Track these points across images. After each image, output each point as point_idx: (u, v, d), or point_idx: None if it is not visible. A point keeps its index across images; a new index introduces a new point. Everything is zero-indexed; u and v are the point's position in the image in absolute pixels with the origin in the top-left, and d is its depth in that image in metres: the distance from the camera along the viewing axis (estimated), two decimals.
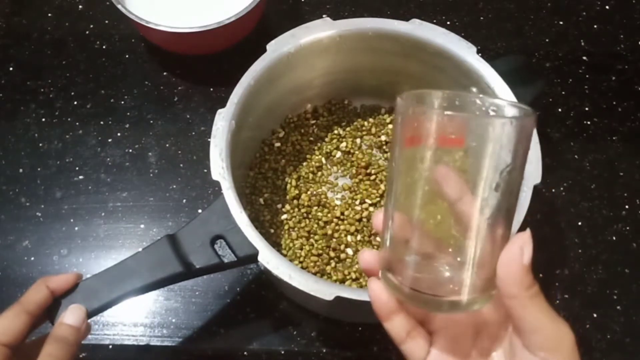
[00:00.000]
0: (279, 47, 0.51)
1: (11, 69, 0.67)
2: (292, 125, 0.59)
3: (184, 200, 0.59)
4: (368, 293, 0.31)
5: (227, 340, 0.53)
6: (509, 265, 0.27)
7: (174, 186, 0.60)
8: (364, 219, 0.54)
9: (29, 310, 0.40)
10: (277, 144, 0.58)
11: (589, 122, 0.63)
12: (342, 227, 0.54)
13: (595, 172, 0.61)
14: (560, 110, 0.64)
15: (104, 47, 0.68)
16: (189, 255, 0.45)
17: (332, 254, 0.53)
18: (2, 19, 0.70)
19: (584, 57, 0.67)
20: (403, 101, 0.29)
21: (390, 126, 0.59)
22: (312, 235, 0.54)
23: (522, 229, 0.42)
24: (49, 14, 0.70)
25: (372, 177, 0.57)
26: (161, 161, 0.61)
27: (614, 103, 0.65)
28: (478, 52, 0.50)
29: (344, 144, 0.59)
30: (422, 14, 0.69)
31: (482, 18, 0.70)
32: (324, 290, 0.41)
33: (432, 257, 0.29)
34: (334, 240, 0.54)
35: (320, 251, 0.53)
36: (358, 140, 0.59)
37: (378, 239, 0.53)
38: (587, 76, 0.66)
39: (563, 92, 0.65)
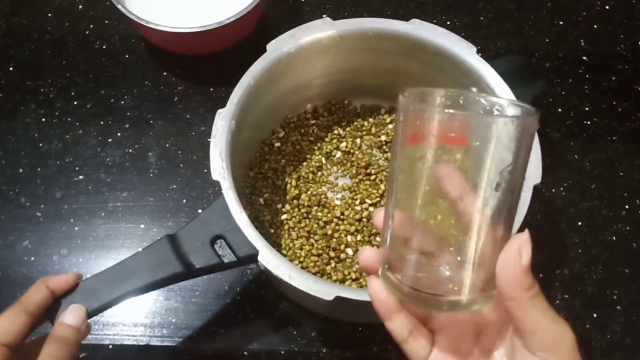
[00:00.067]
0: (279, 47, 0.51)
1: (11, 69, 0.67)
2: (292, 125, 0.59)
3: (184, 200, 0.59)
4: (368, 291, 0.31)
5: (227, 340, 0.53)
6: (508, 267, 0.27)
7: (174, 186, 0.60)
8: (364, 219, 0.54)
9: (29, 310, 0.40)
10: (277, 144, 0.58)
11: (589, 122, 0.63)
12: (342, 227, 0.54)
13: (595, 172, 0.61)
14: (560, 110, 0.64)
15: (104, 47, 0.68)
16: (189, 255, 0.45)
17: (332, 254, 0.53)
18: (2, 19, 0.70)
19: (584, 57, 0.67)
20: (405, 99, 0.29)
21: (390, 126, 0.59)
22: (312, 235, 0.54)
23: (522, 228, 0.42)
24: (49, 14, 0.70)
25: (372, 177, 0.57)
26: (161, 161, 0.61)
27: (614, 103, 0.65)
28: (478, 52, 0.50)
29: (344, 144, 0.59)
30: (422, 14, 0.69)
31: (482, 18, 0.70)
32: (324, 290, 0.41)
33: (432, 256, 0.29)
34: (334, 240, 0.54)
35: (320, 251, 0.53)
36: (358, 140, 0.59)
37: (378, 239, 0.53)
38: (587, 76, 0.66)
39: (563, 92, 0.65)
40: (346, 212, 0.55)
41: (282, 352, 0.52)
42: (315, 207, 0.55)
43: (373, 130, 0.59)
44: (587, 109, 0.64)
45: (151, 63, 0.67)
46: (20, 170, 0.61)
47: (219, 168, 0.45)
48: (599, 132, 0.63)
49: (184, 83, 0.66)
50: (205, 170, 0.60)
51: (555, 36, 0.69)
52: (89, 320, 0.42)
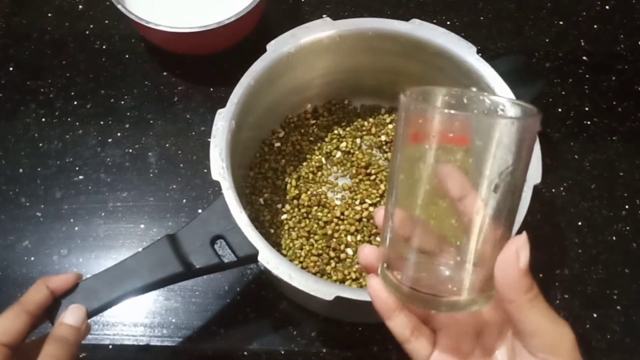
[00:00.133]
0: (279, 47, 0.51)
1: (11, 69, 0.67)
2: (292, 125, 0.59)
3: (184, 200, 0.59)
4: (368, 290, 0.31)
5: (227, 340, 0.53)
6: (505, 270, 0.27)
7: (174, 186, 0.60)
8: (364, 219, 0.54)
9: (29, 310, 0.40)
10: (277, 144, 0.58)
11: (589, 122, 0.63)
12: (342, 227, 0.54)
13: (595, 172, 0.61)
14: (560, 110, 0.64)
15: (104, 47, 0.68)
16: (189, 255, 0.45)
17: (332, 254, 0.53)
18: (2, 19, 0.70)
19: (584, 57, 0.67)
20: (407, 98, 0.29)
21: (390, 126, 0.59)
22: (312, 235, 0.54)
23: (522, 228, 0.42)
24: (49, 14, 0.70)
25: (372, 177, 0.57)
26: (161, 161, 0.61)
27: (614, 103, 0.65)
28: (478, 52, 0.50)
29: (344, 144, 0.59)
30: (422, 14, 0.69)
31: (482, 18, 0.70)
32: (324, 290, 0.41)
33: (431, 256, 0.29)
34: (334, 240, 0.54)
35: (320, 251, 0.53)
36: (358, 140, 0.59)
37: (378, 239, 0.53)
38: (587, 76, 0.66)
39: (563, 92, 0.65)
40: (346, 212, 0.55)
41: (282, 352, 0.52)
42: (315, 207, 0.55)
43: (373, 130, 0.59)
44: (587, 109, 0.64)
45: (151, 63, 0.67)
46: (20, 170, 0.61)
47: (219, 168, 0.45)
48: (599, 132, 0.63)
49: (184, 83, 0.66)
50: (205, 170, 0.60)
51: (555, 36, 0.69)
52: (89, 320, 0.42)
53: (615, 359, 0.53)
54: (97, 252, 0.57)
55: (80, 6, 0.71)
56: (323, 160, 0.58)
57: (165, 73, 0.66)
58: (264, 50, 0.51)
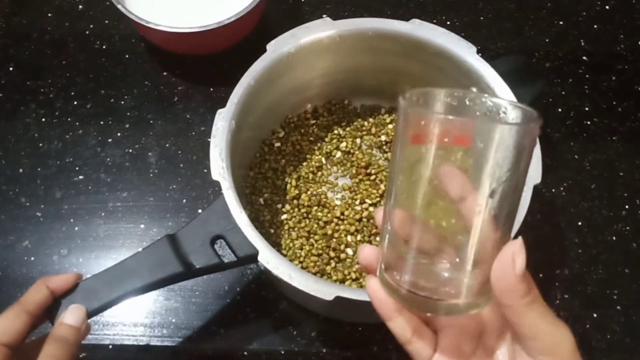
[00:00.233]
0: (279, 47, 0.51)
1: (11, 69, 0.67)
2: (292, 125, 0.59)
3: (184, 200, 0.59)
4: (367, 291, 0.31)
5: (227, 340, 0.53)
6: (502, 275, 0.27)
7: (174, 186, 0.60)
8: (364, 219, 0.54)
9: (29, 310, 0.40)
10: (277, 144, 0.58)
11: (589, 122, 0.63)
12: (342, 227, 0.54)
13: (595, 172, 0.61)
14: (560, 110, 0.64)
15: (104, 47, 0.68)
16: (189, 255, 0.45)
17: (332, 254, 0.53)
18: (2, 19, 0.70)
19: (584, 57, 0.67)
20: (408, 99, 0.29)
21: (390, 126, 0.59)
22: (312, 235, 0.54)
23: (522, 228, 0.42)
24: (49, 14, 0.70)
25: (372, 177, 0.57)
26: (161, 161, 0.61)
27: (614, 103, 0.65)
28: (478, 52, 0.50)
29: (344, 144, 0.59)
30: (422, 14, 0.69)
31: (482, 18, 0.70)
32: (324, 290, 0.41)
33: (430, 258, 0.29)
34: (334, 240, 0.54)
35: (320, 251, 0.53)
36: (358, 140, 0.59)
37: (378, 239, 0.53)
38: (587, 76, 0.66)
39: (563, 92, 0.65)
40: (346, 212, 0.55)
41: (282, 352, 0.52)
42: (315, 207, 0.55)
43: (373, 130, 0.59)
44: (587, 109, 0.64)
45: (151, 63, 0.67)
46: (20, 170, 0.61)
47: (219, 168, 0.45)
48: (599, 132, 0.63)
49: (184, 83, 0.66)
50: (205, 170, 0.60)
51: (555, 36, 0.69)
52: (89, 320, 0.42)
53: (615, 359, 0.53)
54: (97, 252, 0.57)
55: (80, 6, 0.71)
56: (323, 160, 0.58)
57: (165, 73, 0.66)
58: (264, 50, 0.51)
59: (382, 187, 0.56)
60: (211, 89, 0.65)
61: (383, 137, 0.59)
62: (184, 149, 0.62)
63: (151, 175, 0.61)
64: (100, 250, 0.57)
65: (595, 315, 0.54)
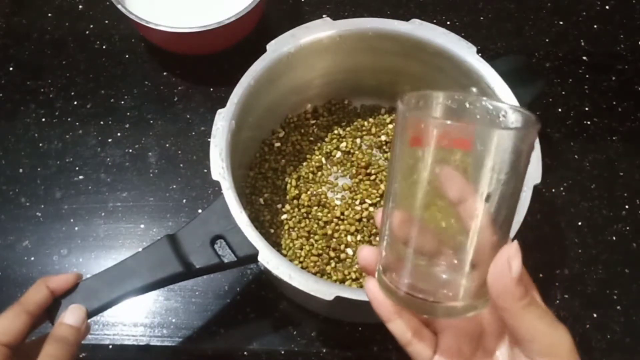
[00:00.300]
0: (279, 47, 0.51)
1: (11, 69, 0.67)
2: (292, 125, 0.59)
3: (184, 200, 0.59)
4: (366, 292, 0.31)
5: (227, 340, 0.53)
6: (498, 279, 0.27)
7: (174, 186, 0.60)
8: (364, 219, 0.54)
9: (29, 310, 0.40)
10: (277, 144, 0.58)
11: (589, 122, 0.63)
12: (342, 227, 0.54)
13: (595, 172, 0.61)
14: (560, 110, 0.64)
15: (104, 47, 0.68)
16: (189, 255, 0.45)
17: (332, 254, 0.53)
18: (2, 19, 0.70)
19: (584, 57, 0.67)
20: (407, 102, 0.29)
21: (390, 126, 0.59)
22: (312, 235, 0.54)
23: (522, 228, 0.42)
24: (49, 14, 0.70)
25: (372, 177, 0.57)
26: (161, 161, 0.61)
27: (614, 103, 0.65)
28: (478, 52, 0.50)
29: (344, 144, 0.59)
30: (422, 14, 0.69)
31: (482, 18, 0.70)
32: (324, 290, 0.41)
33: (428, 260, 0.29)
34: (334, 240, 0.54)
35: (320, 251, 0.53)
36: (358, 140, 0.59)
37: (378, 239, 0.53)
38: (587, 76, 0.66)
39: (563, 92, 0.65)
40: (346, 212, 0.55)
41: (282, 352, 0.52)
42: (315, 207, 0.55)
43: (373, 130, 0.59)
44: (587, 109, 0.64)
45: (151, 63, 0.67)
46: (20, 170, 0.61)
47: (219, 168, 0.45)
48: (599, 132, 0.63)
49: (184, 83, 0.66)
50: (205, 170, 0.60)
51: (555, 36, 0.69)
52: (89, 320, 0.42)
53: (615, 359, 0.53)
54: (97, 252, 0.57)
55: (80, 6, 0.71)
56: (323, 160, 0.58)
57: (165, 73, 0.66)
58: (264, 50, 0.51)
59: (382, 187, 0.56)
60: (211, 89, 0.65)
61: (383, 137, 0.59)
62: (184, 149, 0.62)
63: (151, 175, 0.61)
64: (100, 250, 0.57)
65: (595, 315, 0.54)
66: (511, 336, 0.29)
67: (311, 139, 0.59)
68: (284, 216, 0.55)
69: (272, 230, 0.54)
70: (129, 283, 0.43)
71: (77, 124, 0.63)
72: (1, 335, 0.38)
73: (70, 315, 0.41)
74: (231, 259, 0.45)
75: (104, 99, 0.65)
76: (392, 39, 0.52)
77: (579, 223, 0.58)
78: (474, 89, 0.50)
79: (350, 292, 0.41)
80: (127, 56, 0.67)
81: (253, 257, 0.43)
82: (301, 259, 0.53)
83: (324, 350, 0.53)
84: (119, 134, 0.63)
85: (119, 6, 0.59)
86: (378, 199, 0.55)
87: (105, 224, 0.58)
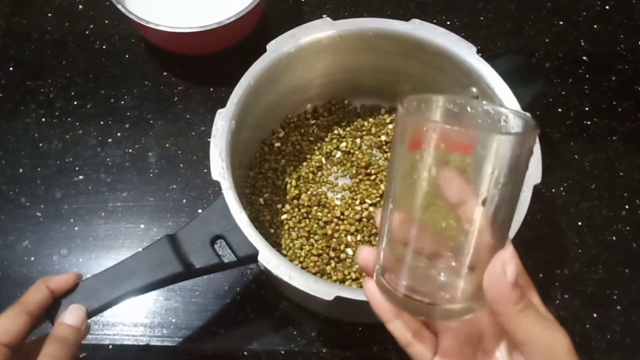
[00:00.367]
0: (279, 47, 0.51)
1: (11, 69, 0.67)
2: (292, 125, 0.59)
3: (184, 200, 0.59)
4: (365, 293, 0.31)
5: (227, 340, 0.53)
6: (494, 284, 0.27)
7: (174, 186, 0.60)
8: (364, 219, 0.54)
9: (29, 310, 0.40)
10: (277, 144, 0.58)
11: (589, 122, 0.63)
12: (342, 227, 0.54)
13: (595, 172, 0.61)
14: (560, 110, 0.64)
15: (104, 47, 0.68)
16: (189, 255, 0.45)
17: (332, 254, 0.53)
18: (2, 19, 0.70)
19: (584, 57, 0.67)
20: (408, 106, 0.29)
21: (390, 126, 0.59)
22: (312, 235, 0.54)
23: (522, 228, 0.42)
24: (49, 14, 0.70)
25: (372, 177, 0.57)
26: (161, 161, 0.61)
27: (614, 103, 0.65)
28: (478, 52, 0.50)
29: (344, 144, 0.59)
30: (422, 14, 0.69)
31: (482, 18, 0.70)
32: (324, 290, 0.41)
33: (426, 262, 0.29)
34: (334, 240, 0.54)
35: (320, 251, 0.53)
36: (358, 140, 0.59)
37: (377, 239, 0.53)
38: (587, 76, 0.66)
39: (563, 92, 0.65)
40: (346, 212, 0.55)
41: (282, 352, 0.52)
42: (315, 207, 0.55)
43: (373, 130, 0.59)
44: (587, 109, 0.64)
45: (151, 63, 0.67)
46: (20, 170, 0.61)
47: (219, 168, 0.45)
48: (599, 132, 0.63)
49: (184, 83, 0.66)
50: (205, 170, 0.60)
51: (555, 36, 0.69)
52: (89, 320, 0.42)
53: (615, 359, 0.53)
54: (97, 252, 0.57)
55: (80, 6, 0.71)
56: (323, 160, 0.58)
57: (165, 73, 0.66)
58: (264, 50, 0.51)
59: (382, 187, 0.56)
60: (211, 89, 0.65)
61: (383, 137, 0.59)
62: (184, 149, 0.62)
63: (151, 175, 0.61)
64: (100, 250, 0.57)
65: (595, 315, 0.54)
66: (508, 339, 0.29)
67: (311, 139, 0.59)
68: (284, 216, 0.55)
69: (272, 230, 0.54)
70: (129, 283, 0.43)
71: (77, 124, 0.63)
72: (1, 335, 0.38)
73: (70, 315, 0.41)
74: (231, 259, 0.45)
75: (104, 99, 0.65)
76: (392, 39, 0.52)
77: (579, 223, 0.58)
78: (474, 89, 0.50)
79: (350, 292, 0.41)
80: (127, 56, 0.67)
81: (253, 257, 0.43)
82: (301, 259, 0.53)
83: (324, 350, 0.53)
84: (119, 134, 0.63)
85: (119, 6, 0.59)
86: (378, 199, 0.55)
87: (105, 224, 0.58)
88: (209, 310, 0.54)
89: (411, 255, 0.29)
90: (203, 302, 0.54)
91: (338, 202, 0.56)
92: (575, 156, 0.61)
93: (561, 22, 0.70)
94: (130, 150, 0.62)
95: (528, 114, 0.30)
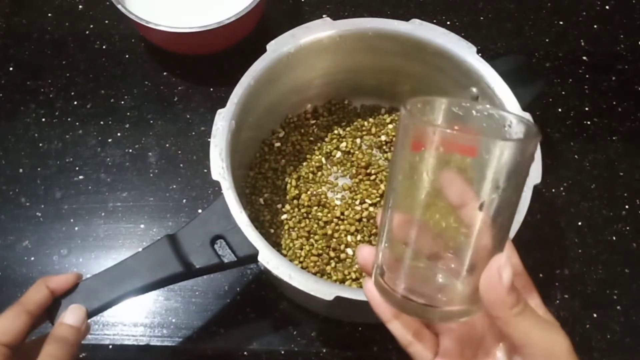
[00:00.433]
0: (279, 47, 0.51)
1: (11, 69, 0.67)
2: (292, 125, 0.59)
3: (184, 200, 0.59)
4: (364, 293, 0.31)
5: (227, 340, 0.53)
6: (490, 289, 0.27)
7: (174, 186, 0.60)
8: (364, 219, 0.54)
9: (29, 310, 0.40)
10: (277, 144, 0.58)
11: (589, 122, 0.63)
12: (342, 227, 0.54)
13: (595, 172, 0.61)
14: (560, 110, 0.64)
15: (104, 47, 0.68)
16: (189, 255, 0.45)
17: (332, 254, 0.53)
18: (2, 19, 0.70)
19: (584, 57, 0.67)
20: (409, 110, 0.29)
21: (390, 126, 0.59)
22: (312, 235, 0.54)
23: (522, 228, 0.42)
24: (49, 14, 0.70)
25: (372, 177, 0.57)
26: (161, 161, 0.61)
27: (614, 103, 0.65)
28: (478, 52, 0.50)
29: (344, 144, 0.59)
30: (422, 14, 0.69)
31: (482, 18, 0.70)
32: (324, 290, 0.41)
33: (425, 264, 0.29)
34: (334, 240, 0.54)
35: (320, 251, 0.53)
36: (358, 140, 0.59)
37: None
38: (587, 76, 0.66)
39: (563, 92, 0.65)
40: (346, 212, 0.55)
41: (282, 352, 0.52)
42: (315, 207, 0.55)
43: (373, 130, 0.59)
44: (587, 109, 0.64)
45: (151, 63, 0.67)
46: (20, 170, 0.61)
47: (219, 168, 0.45)
48: (599, 132, 0.63)
49: (184, 83, 0.66)
50: (205, 170, 0.60)
51: (555, 36, 0.69)
52: (89, 320, 0.42)
53: (615, 359, 0.53)
54: (97, 252, 0.57)
55: (80, 6, 0.71)
56: (323, 160, 0.58)
57: (165, 73, 0.66)
58: (264, 50, 0.51)
59: (382, 187, 0.56)
60: (211, 89, 0.65)
61: (383, 137, 0.59)
62: (184, 149, 0.62)
63: (151, 175, 0.61)
64: (100, 250, 0.57)
65: (595, 315, 0.54)
66: (507, 342, 0.29)
67: (311, 139, 0.59)
68: (284, 216, 0.55)
69: (272, 230, 0.54)
70: (129, 283, 0.43)
71: (77, 124, 0.63)
72: (1, 335, 0.38)
73: (70, 315, 0.41)
74: (231, 259, 0.45)
75: (104, 99, 0.65)
76: (392, 39, 0.52)
77: (579, 223, 0.58)
78: (474, 89, 0.50)
79: (350, 292, 0.41)
80: (127, 56, 0.67)
81: (253, 257, 0.43)
82: (301, 259, 0.53)
83: (324, 350, 0.53)
84: (119, 134, 0.63)
85: (119, 6, 0.59)
86: (378, 199, 0.55)
87: (105, 224, 0.58)
88: (209, 310, 0.54)
89: (410, 255, 0.29)
90: (203, 302, 0.54)
91: (338, 202, 0.56)
92: (575, 156, 0.61)
93: (561, 22, 0.70)
94: (130, 150, 0.62)
95: (531, 120, 0.30)
